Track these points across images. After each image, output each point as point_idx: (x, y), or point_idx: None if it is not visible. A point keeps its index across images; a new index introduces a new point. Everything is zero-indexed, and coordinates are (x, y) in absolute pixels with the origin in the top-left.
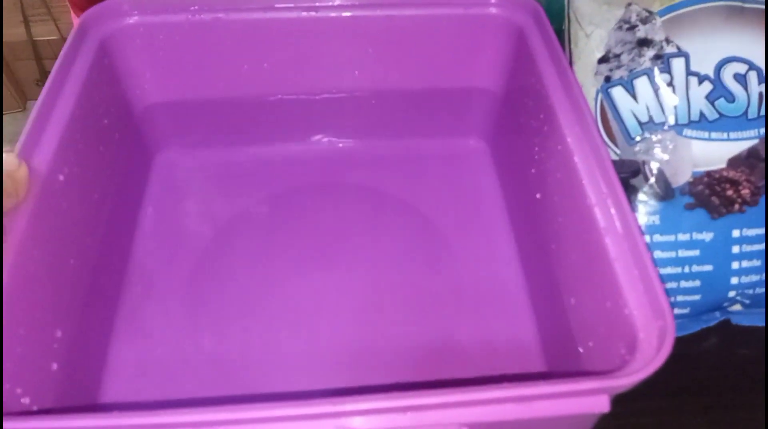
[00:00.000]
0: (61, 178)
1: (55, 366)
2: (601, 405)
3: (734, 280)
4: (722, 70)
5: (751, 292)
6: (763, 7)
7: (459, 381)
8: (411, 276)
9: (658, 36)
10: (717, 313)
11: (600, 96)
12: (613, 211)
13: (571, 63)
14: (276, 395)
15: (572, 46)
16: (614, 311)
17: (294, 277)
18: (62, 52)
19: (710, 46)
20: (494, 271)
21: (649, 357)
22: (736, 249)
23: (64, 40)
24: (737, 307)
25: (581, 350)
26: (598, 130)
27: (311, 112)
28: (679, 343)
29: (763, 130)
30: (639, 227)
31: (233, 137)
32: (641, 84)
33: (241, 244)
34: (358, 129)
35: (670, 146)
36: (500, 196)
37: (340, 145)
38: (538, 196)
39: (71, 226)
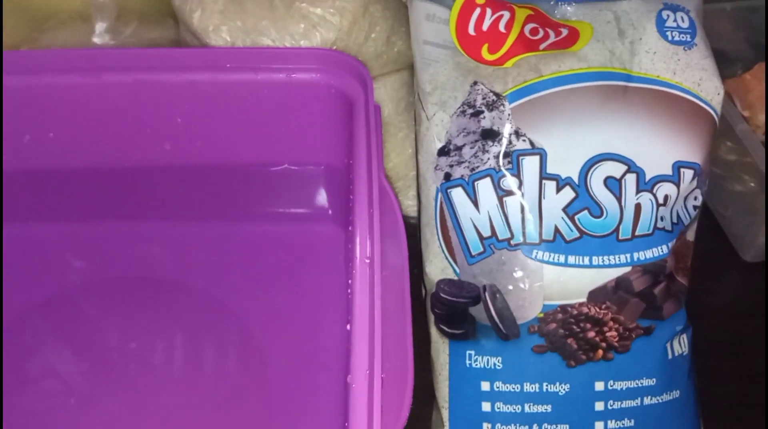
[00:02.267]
0: None
1: None
2: None
3: None
4: (591, 172)
5: None
6: (653, 87)
7: None
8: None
9: (507, 127)
10: None
11: (440, 196)
12: (365, 404)
13: (416, 149)
14: None
15: (416, 127)
16: None
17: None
18: None
19: (577, 141)
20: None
21: None
22: (599, 406)
23: None
24: None
25: None
26: (376, 271)
27: (117, 188)
28: None
29: (637, 255)
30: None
31: (27, 213)
32: (484, 187)
33: (18, 352)
34: (177, 209)
35: (516, 271)
36: (343, 304)
37: (153, 230)
38: (348, 327)
39: None
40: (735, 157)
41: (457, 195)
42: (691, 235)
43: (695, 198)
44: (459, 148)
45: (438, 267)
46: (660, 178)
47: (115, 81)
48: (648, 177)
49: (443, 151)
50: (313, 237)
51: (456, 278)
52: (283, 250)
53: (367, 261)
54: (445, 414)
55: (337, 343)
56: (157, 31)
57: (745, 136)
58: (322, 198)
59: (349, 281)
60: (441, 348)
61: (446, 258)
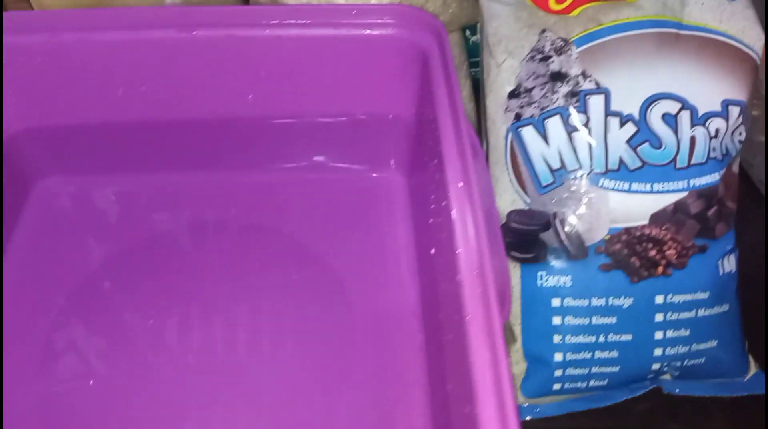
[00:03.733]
0: None
1: None
2: None
3: (658, 352)
4: (649, 109)
5: (679, 364)
6: (702, 34)
7: None
8: (306, 328)
9: (574, 69)
10: (646, 382)
11: (510, 136)
12: (479, 295)
13: (483, 95)
14: None
15: (484, 76)
16: (471, 419)
17: (178, 326)
18: None
19: (637, 81)
20: (393, 334)
21: None
22: (659, 317)
23: None
24: (667, 377)
25: None
26: (477, 195)
27: (201, 138)
28: (602, 414)
29: (693, 181)
30: (500, 323)
31: (117, 165)
32: (553, 125)
33: (121, 285)
34: (255, 158)
35: (585, 198)
36: (411, 240)
37: (235, 176)
38: (432, 251)
39: None
40: (759, 112)
41: (528, 133)
42: (735, 168)
43: (740, 133)
44: (529, 91)
45: (508, 200)
46: (711, 115)
47: (207, 36)
48: (700, 113)
49: (513, 94)
50: (378, 183)
51: (526, 208)
52: (352, 196)
53: (461, 185)
54: (517, 329)
55: (412, 274)
56: None
57: None
58: (386, 148)
59: (443, 203)
60: (512, 272)
61: (516, 191)
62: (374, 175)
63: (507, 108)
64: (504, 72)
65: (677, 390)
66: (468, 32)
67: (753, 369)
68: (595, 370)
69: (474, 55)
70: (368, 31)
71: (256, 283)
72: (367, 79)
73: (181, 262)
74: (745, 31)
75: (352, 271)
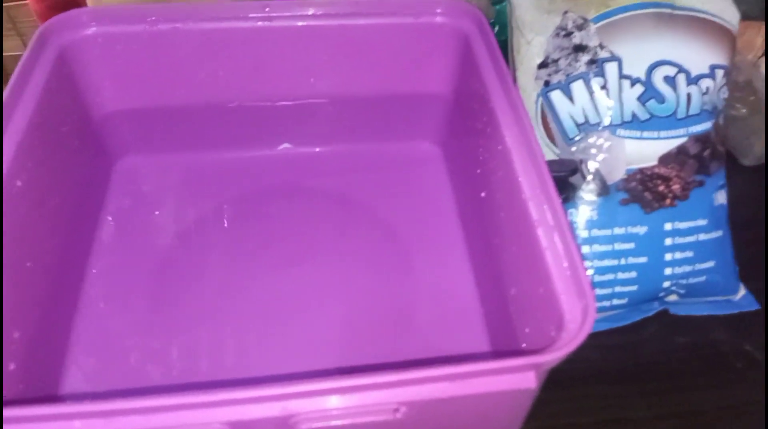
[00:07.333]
0: (19, 183)
1: (12, 366)
2: (528, 381)
3: (668, 271)
4: (653, 73)
5: (684, 282)
6: (691, 13)
7: (409, 362)
8: (369, 272)
9: (593, 42)
10: (655, 304)
11: (540, 100)
12: (545, 205)
13: (514, 69)
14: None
15: (515, 53)
16: (545, 297)
17: (258, 280)
18: (21, 62)
19: (641, 51)
20: (446, 268)
21: (572, 335)
22: (668, 241)
23: None
24: (674, 298)
25: (520, 336)
26: (534, 131)
27: (271, 119)
28: (620, 332)
29: (691, 129)
30: (567, 219)
31: (195, 143)
32: (577, 87)
33: (204, 248)
34: (316, 135)
35: (605, 145)
36: (451, 195)
37: (300, 150)
38: (482, 194)
39: (29, 230)
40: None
41: (556, 96)
42: (721, 120)
43: (724, 92)
44: (556, 61)
45: None
46: (702, 76)
47: (284, 26)
48: (693, 75)
49: (542, 65)
50: (419, 151)
51: (556, 158)
52: (398, 164)
53: (515, 132)
54: None
55: (457, 225)
56: None
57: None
58: (425, 121)
59: (499, 147)
60: None
61: (547, 144)
62: (415, 145)
63: (537, 77)
64: (533, 48)
65: (681, 311)
66: None
67: (742, 291)
68: (617, 289)
69: None
70: (417, 20)
71: (328, 236)
72: (414, 61)
73: (252, 225)
74: (723, 10)
75: (404, 222)
